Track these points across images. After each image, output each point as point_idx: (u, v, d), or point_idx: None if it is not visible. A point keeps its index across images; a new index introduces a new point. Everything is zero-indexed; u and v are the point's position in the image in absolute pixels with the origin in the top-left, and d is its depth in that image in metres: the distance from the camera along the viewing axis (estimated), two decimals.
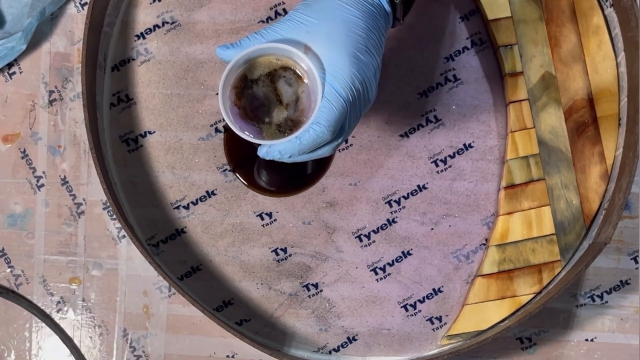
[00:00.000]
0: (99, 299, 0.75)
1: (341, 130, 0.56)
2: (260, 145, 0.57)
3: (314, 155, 0.56)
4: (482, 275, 0.72)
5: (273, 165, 0.74)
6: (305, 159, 0.57)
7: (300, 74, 0.56)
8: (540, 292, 0.72)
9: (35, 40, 0.74)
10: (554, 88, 0.72)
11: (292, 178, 0.74)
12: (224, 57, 0.55)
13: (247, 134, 0.55)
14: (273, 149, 0.55)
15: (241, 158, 0.74)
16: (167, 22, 0.74)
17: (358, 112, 0.56)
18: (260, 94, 0.56)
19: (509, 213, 0.72)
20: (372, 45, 0.55)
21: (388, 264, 0.74)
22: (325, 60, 0.54)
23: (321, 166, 0.73)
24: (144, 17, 0.74)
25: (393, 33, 0.73)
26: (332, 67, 0.53)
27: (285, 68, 0.56)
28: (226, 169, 0.74)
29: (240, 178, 0.73)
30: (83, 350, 0.75)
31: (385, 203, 0.74)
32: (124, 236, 0.74)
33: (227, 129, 0.74)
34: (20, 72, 0.75)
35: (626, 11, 0.69)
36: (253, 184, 0.74)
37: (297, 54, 0.53)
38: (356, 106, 0.55)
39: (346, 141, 0.74)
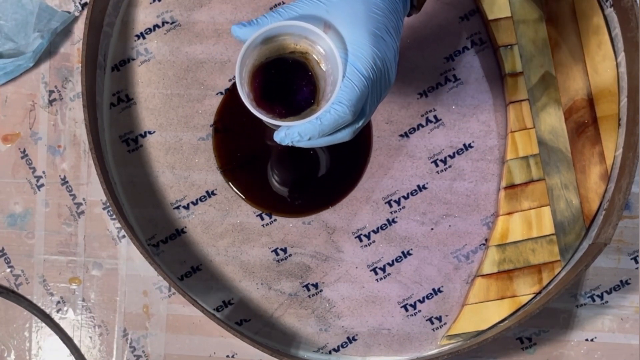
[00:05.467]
0: (99, 299, 0.75)
1: (362, 113, 0.54)
2: (276, 130, 0.55)
3: (334, 139, 0.55)
4: (482, 276, 0.72)
5: (286, 162, 0.74)
6: (324, 143, 0.55)
7: (317, 59, 0.54)
8: (540, 292, 0.72)
9: None
10: (554, 88, 0.72)
11: (304, 177, 0.74)
12: (240, 36, 0.54)
13: (270, 116, 0.53)
14: (292, 130, 0.53)
15: (234, 162, 0.74)
16: (167, 22, 0.74)
17: (378, 94, 0.55)
18: (282, 73, 0.54)
19: (509, 213, 0.72)
20: (392, 26, 0.54)
21: (388, 264, 0.74)
22: (346, 38, 0.52)
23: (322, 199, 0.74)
24: (144, 17, 0.74)
25: None
26: (353, 45, 0.52)
27: (304, 52, 0.54)
28: (226, 170, 0.74)
29: (234, 187, 0.73)
30: (83, 350, 0.75)
31: (385, 203, 0.74)
32: (124, 236, 0.74)
33: (217, 129, 0.74)
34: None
35: (626, 11, 0.69)
36: (249, 190, 0.74)
37: (317, 32, 0.51)
38: (376, 87, 0.54)
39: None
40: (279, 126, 0.54)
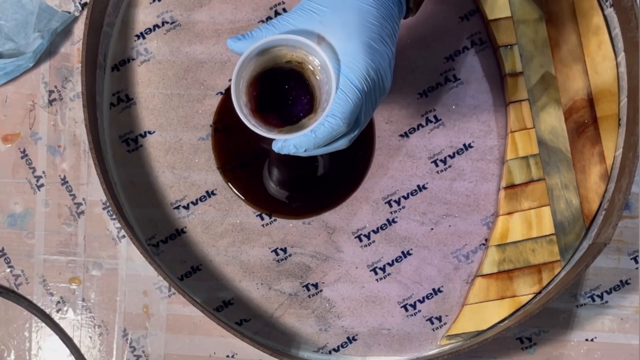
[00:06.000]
0: (98, 299, 0.75)
1: (357, 122, 0.55)
2: (274, 140, 0.55)
3: (331, 148, 0.55)
4: (482, 276, 0.72)
5: (283, 163, 0.74)
6: (322, 152, 0.56)
7: (312, 69, 0.54)
8: (540, 292, 0.72)
9: None
10: (554, 88, 0.72)
11: (302, 176, 0.74)
12: (236, 50, 0.54)
13: (262, 129, 0.53)
14: (288, 143, 0.54)
15: (233, 162, 0.74)
16: (167, 22, 0.74)
17: (373, 103, 0.55)
18: (279, 83, 0.54)
19: (509, 213, 0.72)
20: (387, 34, 0.54)
21: (388, 264, 0.74)
22: (339, 50, 0.52)
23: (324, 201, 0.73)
24: (144, 17, 0.74)
25: None
26: (347, 57, 0.52)
27: (300, 62, 0.54)
28: (226, 170, 0.74)
29: (234, 188, 0.73)
30: (83, 350, 0.75)
31: (385, 203, 0.74)
32: (124, 236, 0.74)
33: (217, 129, 0.74)
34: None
35: (626, 11, 0.69)
36: (248, 191, 0.74)
37: (310, 45, 0.52)
38: (371, 97, 0.54)
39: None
40: None
